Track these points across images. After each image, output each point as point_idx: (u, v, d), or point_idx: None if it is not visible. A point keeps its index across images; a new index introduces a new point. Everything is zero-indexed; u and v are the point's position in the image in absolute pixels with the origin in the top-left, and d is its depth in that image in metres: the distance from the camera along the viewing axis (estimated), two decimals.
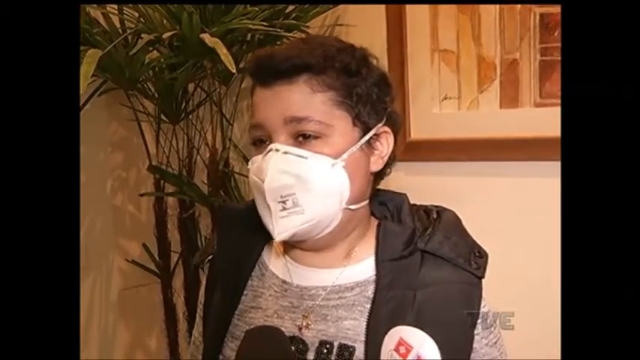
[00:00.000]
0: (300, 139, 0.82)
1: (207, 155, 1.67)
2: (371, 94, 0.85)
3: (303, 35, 1.51)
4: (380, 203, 0.93)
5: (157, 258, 1.83)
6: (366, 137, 0.85)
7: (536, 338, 1.14)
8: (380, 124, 0.86)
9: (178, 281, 1.83)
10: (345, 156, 0.82)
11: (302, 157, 0.81)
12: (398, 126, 0.90)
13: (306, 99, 0.81)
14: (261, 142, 0.85)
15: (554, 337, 0.72)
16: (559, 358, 0.66)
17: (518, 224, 1.43)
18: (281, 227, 0.82)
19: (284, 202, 0.81)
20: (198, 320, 0.98)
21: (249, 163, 0.87)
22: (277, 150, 0.81)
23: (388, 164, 0.89)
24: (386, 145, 0.88)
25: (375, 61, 0.88)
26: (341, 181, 0.82)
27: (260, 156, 0.84)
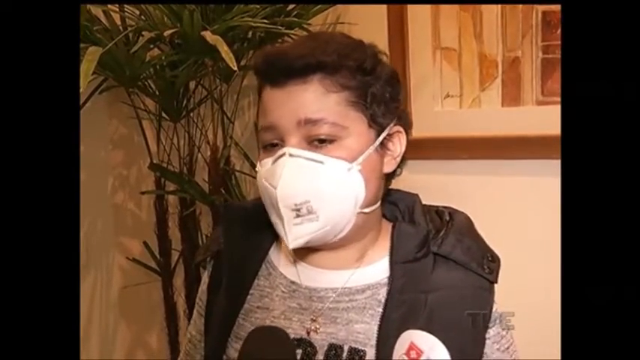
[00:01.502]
0: (316, 142, 0.79)
1: (208, 153, 1.67)
2: (385, 92, 0.82)
3: (305, 33, 1.50)
4: (390, 203, 0.91)
5: (157, 256, 1.83)
6: (380, 138, 0.82)
7: (536, 338, 1.14)
8: (392, 124, 0.84)
9: (179, 279, 1.83)
10: (360, 159, 0.80)
11: (317, 161, 0.78)
12: (409, 125, 0.88)
13: (321, 99, 0.78)
14: (272, 145, 0.81)
15: (554, 337, 0.71)
16: (559, 358, 0.66)
17: (519, 222, 1.43)
18: (295, 234, 0.79)
19: (298, 209, 0.78)
20: (197, 317, 0.96)
21: (258, 165, 0.84)
22: (291, 155, 0.78)
23: (400, 165, 0.87)
24: (399, 145, 0.86)
25: (384, 58, 0.86)
26: (357, 186, 0.80)
27: (270, 159, 0.81)
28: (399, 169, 0.88)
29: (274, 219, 0.82)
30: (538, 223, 1.39)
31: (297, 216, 0.79)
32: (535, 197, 1.41)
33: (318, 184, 0.78)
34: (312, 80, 0.79)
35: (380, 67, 0.83)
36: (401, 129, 0.86)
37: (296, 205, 0.78)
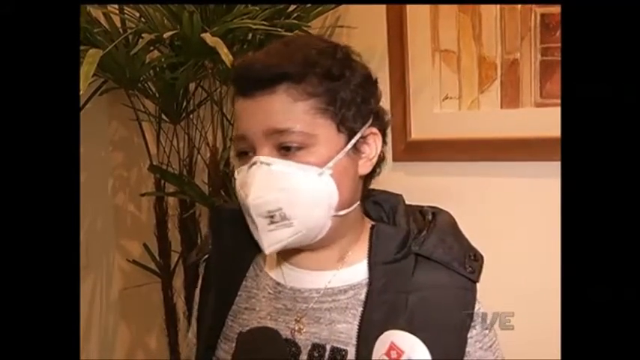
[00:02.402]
0: (284, 150, 0.79)
1: (208, 155, 1.67)
2: (355, 97, 0.82)
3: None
4: (375, 203, 0.91)
5: (157, 258, 1.83)
6: (352, 142, 0.82)
7: (536, 338, 1.14)
8: (365, 127, 0.84)
9: (179, 281, 1.83)
10: (331, 164, 0.80)
11: (287, 169, 0.79)
12: (385, 125, 0.88)
13: (287, 109, 0.79)
14: (245, 153, 0.83)
15: (554, 337, 0.72)
16: (559, 358, 0.66)
17: (518, 224, 1.43)
18: (270, 240, 0.80)
19: (271, 216, 0.79)
20: (193, 321, 0.97)
21: (235, 173, 0.85)
22: (261, 163, 0.79)
23: (377, 165, 0.87)
24: (374, 146, 0.85)
25: (359, 59, 0.85)
26: (329, 190, 0.80)
27: (245, 167, 0.82)
28: (378, 169, 0.88)
29: (250, 225, 0.83)
30: (538, 224, 1.39)
31: (271, 222, 0.79)
32: (534, 199, 1.41)
33: (289, 191, 0.79)
34: (279, 90, 0.79)
35: (350, 71, 0.83)
36: (376, 130, 0.85)
37: (269, 212, 0.79)
